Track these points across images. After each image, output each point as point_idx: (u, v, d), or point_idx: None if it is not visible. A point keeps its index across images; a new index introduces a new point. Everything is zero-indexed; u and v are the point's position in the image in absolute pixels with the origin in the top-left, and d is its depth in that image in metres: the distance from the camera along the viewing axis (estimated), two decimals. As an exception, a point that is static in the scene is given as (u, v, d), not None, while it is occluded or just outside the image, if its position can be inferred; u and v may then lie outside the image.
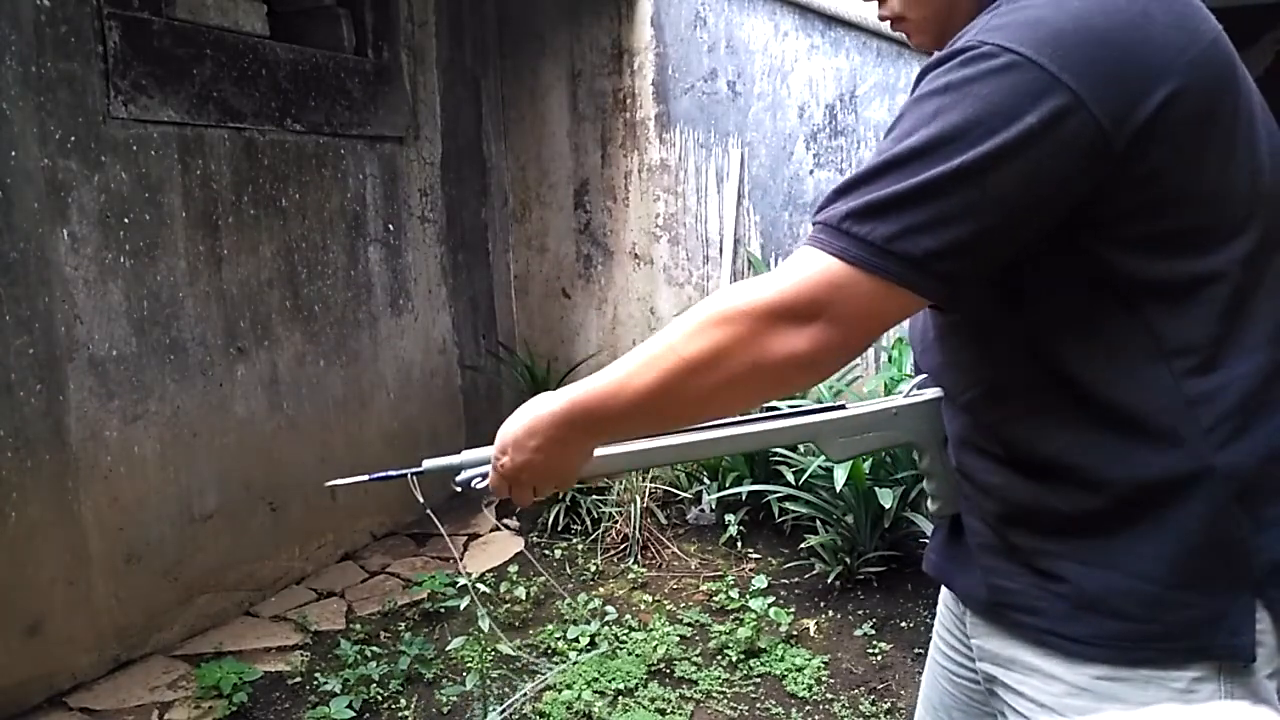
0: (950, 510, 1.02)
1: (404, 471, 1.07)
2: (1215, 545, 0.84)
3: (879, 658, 2.83)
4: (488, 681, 2.66)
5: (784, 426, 1.04)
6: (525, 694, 2.55)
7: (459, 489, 1.05)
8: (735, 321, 0.83)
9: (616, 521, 3.67)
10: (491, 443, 1.00)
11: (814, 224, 0.83)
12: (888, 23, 1.02)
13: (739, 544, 3.61)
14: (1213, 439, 0.83)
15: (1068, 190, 0.79)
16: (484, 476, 1.02)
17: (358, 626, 3.09)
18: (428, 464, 1.05)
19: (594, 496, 3.81)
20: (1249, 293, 0.84)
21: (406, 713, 2.58)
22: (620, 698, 2.62)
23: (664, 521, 3.75)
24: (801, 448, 3.53)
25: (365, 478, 1.10)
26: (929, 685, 1.22)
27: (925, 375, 1.05)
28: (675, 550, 3.61)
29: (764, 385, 0.86)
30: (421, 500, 1.07)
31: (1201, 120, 0.80)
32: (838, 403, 1.08)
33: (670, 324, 0.87)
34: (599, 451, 1.00)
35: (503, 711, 2.47)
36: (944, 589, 1.16)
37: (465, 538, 3.88)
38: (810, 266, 0.81)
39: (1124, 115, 0.77)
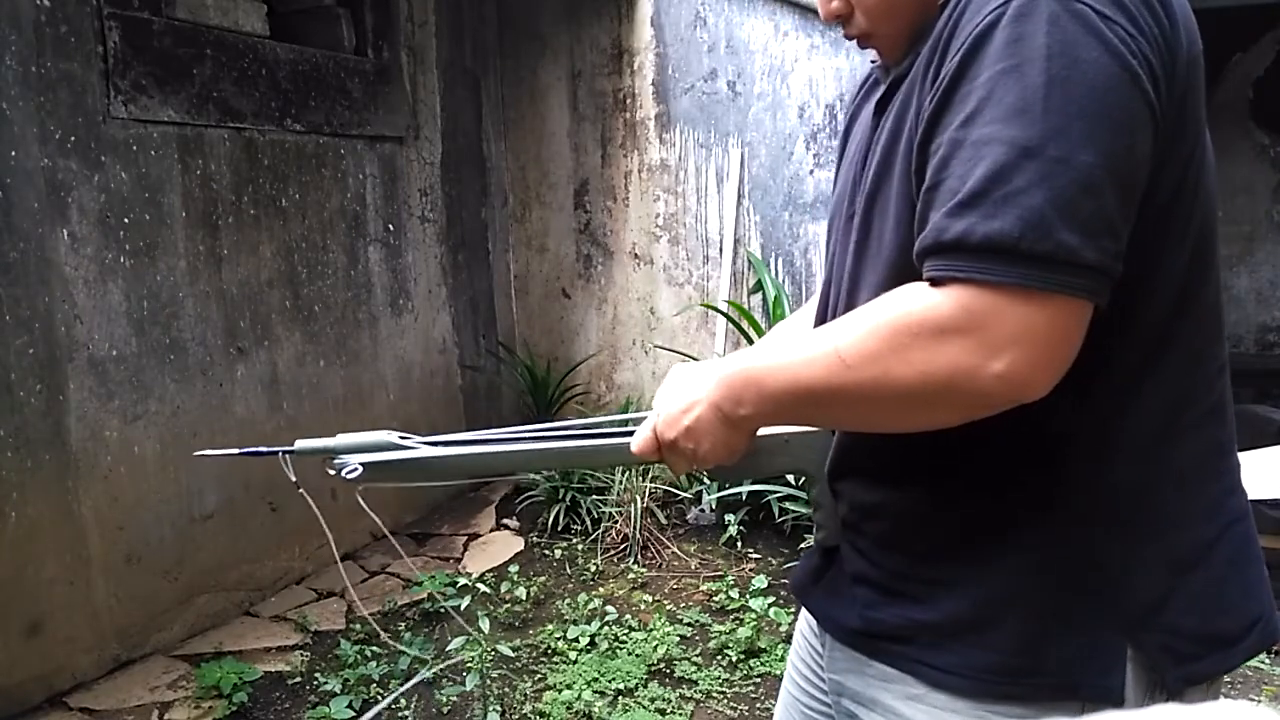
0: (835, 541, 0.99)
1: (276, 450, 1.04)
2: (1085, 577, 0.81)
3: (879, 658, 2.82)
4: (488, 681, 2.66)
5: None
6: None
7: (332, 473, 1.01)
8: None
9: (616, 521, 3.67)
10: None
11: (966, 249, 0.70)
12: (853, 41, 0.94)
13: (739, 544, 3.61)
14: (1095, 460, 0.81)
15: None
16: (361, 467, 1.00)
17: (358, 626, 3.09)
18: (300, 444, 1.03)
19: (594, 497, 3.81)
20: (1174, 319, 0.81)
21: (406, 713, 2.58)
22: (620, 698, 2.62)
23: (664, 521, 3.74)
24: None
25: (236, 451, 1.10)
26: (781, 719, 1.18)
27: None
28: (675, 550, 3.61)
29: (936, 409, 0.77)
30: (294, 479, 1.04)
31: (1187, 119, 0.78)
32: None
33: (849, 319, 0.79)
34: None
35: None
36: (802, 618, 1.13)
37: (465, 537, 3.88)
38: (1009, 310, 0.70)
39: (1166, 87, 0.74)
